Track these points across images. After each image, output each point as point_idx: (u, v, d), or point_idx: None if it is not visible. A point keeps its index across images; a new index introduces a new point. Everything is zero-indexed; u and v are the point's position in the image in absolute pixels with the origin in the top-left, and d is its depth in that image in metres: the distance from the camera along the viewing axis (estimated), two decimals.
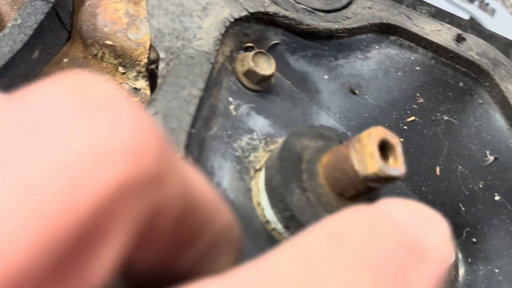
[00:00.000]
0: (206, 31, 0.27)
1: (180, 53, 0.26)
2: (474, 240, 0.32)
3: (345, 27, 0.30)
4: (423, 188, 0.33)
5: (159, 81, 0.26)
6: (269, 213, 0.25)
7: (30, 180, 0.09)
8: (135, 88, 0.34)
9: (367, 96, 0.32)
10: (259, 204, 0.25)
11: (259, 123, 0.28)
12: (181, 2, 0.29)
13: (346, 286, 0.11)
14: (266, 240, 0.25)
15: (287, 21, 0.29)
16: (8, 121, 0.10)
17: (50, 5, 0.31)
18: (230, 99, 0.28)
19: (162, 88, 0.25)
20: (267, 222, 0.25)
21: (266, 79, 0.28)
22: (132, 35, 0.34)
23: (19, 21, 0.29)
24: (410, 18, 0.31)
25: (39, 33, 0.30)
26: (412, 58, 0.32)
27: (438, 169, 0.33)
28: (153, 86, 0.30)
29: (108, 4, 0.35)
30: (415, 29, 0.31)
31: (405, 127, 0.32)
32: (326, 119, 0.31)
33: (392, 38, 0.32)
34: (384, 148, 0.22)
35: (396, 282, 0.12)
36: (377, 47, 0.32)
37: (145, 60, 0.34)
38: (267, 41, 0.30)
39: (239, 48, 0.29)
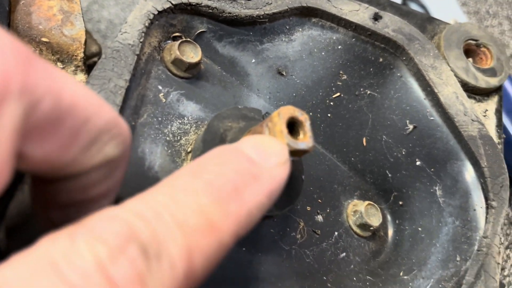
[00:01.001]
0: (131, 24, 0.28)
1: (105, 47, 0.28)
2: (400, 203, 0.35)
3: (266, 12, 0.31)
4: (352, 159, 0.35)
5: None
6: None
7: None
8: None
9: (293, 77, 0.34)
10: None
11: (190, 108, 0.30)
12: None
13: (198, 204, 0.16)
14: None
15: (210, 10, 0.31)
16: None
17: None
18: (160, 87, 0.29)
19: (89, 82, 0.26)
20: None
21: (193, 66, 0.30)
22: (67, 31, 0.36)
23: None
24: (329, 0, 0.33)
25: None
26: (334, 38, 0.34)
27: (364, 140, 0.35)
28: None
29: (42, 2, 0.36)
30: (333, 10, 0.33)
31: (332, 103, 0.35)
32: (256, 101, 0.33)
33: (314, 20, 0.34)
34: (295, 125, 0.24)
35: (231, 199, 0.17)
36: (300, 30, 0.34)
37: (82, 55, 0.35)
38: (194, 30, 0.31)
39: (167, 38, 0.31)
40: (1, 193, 0.14)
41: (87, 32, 0.30)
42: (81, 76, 0.37)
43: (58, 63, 0.36)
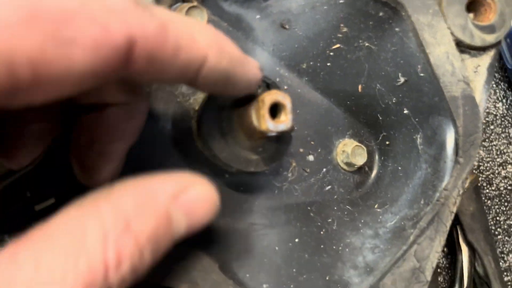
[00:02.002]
0: None
1: None
2: (387, 142, 0.40)
3: None
4: (348, 102, 0.39)
5: None
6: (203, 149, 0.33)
7: None
8: None
9: (296, 30, 0.36)
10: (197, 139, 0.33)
11: None
12: None
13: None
14: (205, 169, 0.33)
15: None
16: None
17: None
18: None
19: None
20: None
21: None
22: None
23: None
24: None
25: None
26: None
27: (360, 87, 0.38)
28: None
29: None
30: None
31: (331, 53, 0.37)
32: (261, 53, 0.37)
33: None
34: (278, 107, 0.29)
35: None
36: None
37: None
38: None
39: (177, 0, 0.34)
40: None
41: None
42: None
43: None
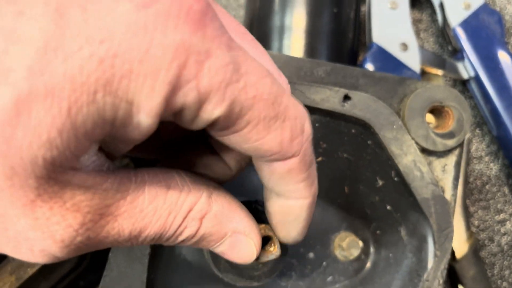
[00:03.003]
0: None
1: None
2: (378, 232, 0.45)
3: None
4: (338, 201, 0.45)
5: None
6: None
7: None
8: None
9: None
10: None
11: None
12: None
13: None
14: (218, 284, 0.40)
15: None
16: None
17: None
18: None
19: None
20: None
21: None
22: None
23: None
24: (303, 93, 0.40)
25: None
26: (312, 118, 0.41)
27: (346, 188, 0.44)
28: None
29: None
30: (307, 102, 0.40)
31: (317, 165, 0.43)
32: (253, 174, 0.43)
33: None
34: (268, 238, 0.35)
35: None
36: None
37: None
38: None
39: None
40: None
41: None
42: None
43: None
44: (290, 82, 0.40)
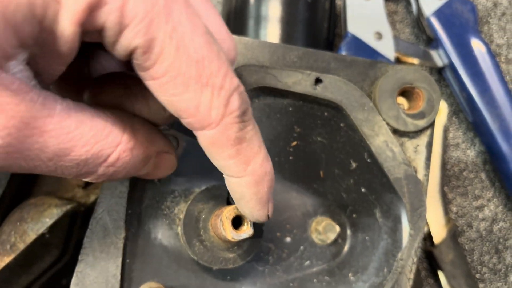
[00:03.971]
0: None
1: None
2: (354, 215, 0.45)
3: None
4: (314, 185, 0.45)
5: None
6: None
7: None
8: None
9: None
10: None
11: (178, 182, 0.41)
12: None
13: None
14: (194, 267, 0.40)
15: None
16: None
17: None
18: None
19: (102, 192, 0.38)
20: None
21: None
22: None
23: None
24: (275, 76, 0.40)
25: None
26: (285, 103, 0.42)
27: (322, 172, 0.44)
28: None
29: None
30: (279, 85, 0.40)
31: (291, 150, 0.44)
32: None
33: (266, 92, 0.41)
34: (240, 218, 0.35)
35: None
36: (257, 100, 0.42)
37: None
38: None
39: None
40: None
41: None
42: None
43: None
44: (262, 66, 0.40)
